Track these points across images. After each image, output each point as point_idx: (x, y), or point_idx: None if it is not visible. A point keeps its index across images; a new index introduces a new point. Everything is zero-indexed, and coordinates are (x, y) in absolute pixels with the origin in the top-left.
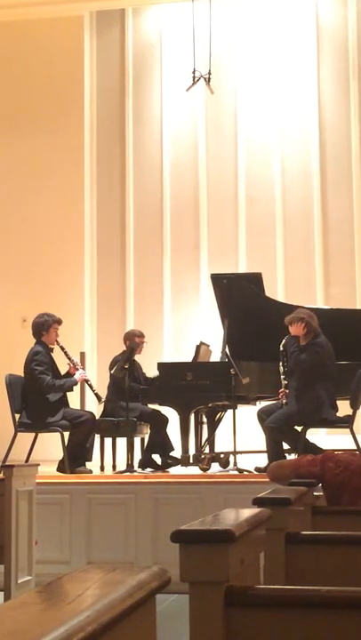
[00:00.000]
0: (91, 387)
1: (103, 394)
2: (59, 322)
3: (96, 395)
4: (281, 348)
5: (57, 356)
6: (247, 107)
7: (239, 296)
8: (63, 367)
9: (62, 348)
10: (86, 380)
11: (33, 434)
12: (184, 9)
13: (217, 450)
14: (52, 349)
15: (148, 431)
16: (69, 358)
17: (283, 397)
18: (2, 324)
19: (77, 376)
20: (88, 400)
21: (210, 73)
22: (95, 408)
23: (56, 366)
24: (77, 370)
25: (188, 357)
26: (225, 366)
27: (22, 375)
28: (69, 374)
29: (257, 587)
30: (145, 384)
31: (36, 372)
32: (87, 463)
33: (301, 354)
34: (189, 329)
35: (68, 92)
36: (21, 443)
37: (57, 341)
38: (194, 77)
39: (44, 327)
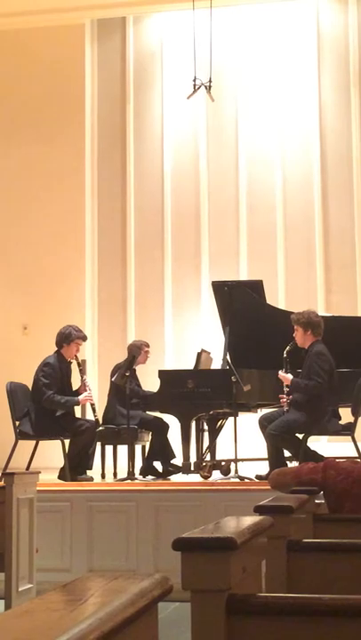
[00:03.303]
0: (94, 410)
1: (103, 400)
2: (83, 338)
3: (96, 420)
4: (285, 355)
5: (75, 369)
6: (248, 114)
7: (240, 303)
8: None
9: (79, 365)
10: (91, 404)
11: (34, 441)
12: (185, 17)
13: (218, 457)
14: (70, 362)
15: (149, 438)
16: (82, 377)
17: (284, 404)
18: (3, 331)
19: (81, 397)
20: (89, 408)
21: (210, 81)
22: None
23: (68, 380)
24: (85, 391)
25: (189, 365)
26: (226, 374)
27: (23, 383)
28: (78, 392)
29: (259, 595)
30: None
31: (40, 382)
32: (88, 471)
33: (307, 378)
34: (190, 336)
35: (69, 100)
36: (22, 450)
37: (76, 357)
38: (195, 85)
39: (66, 339)
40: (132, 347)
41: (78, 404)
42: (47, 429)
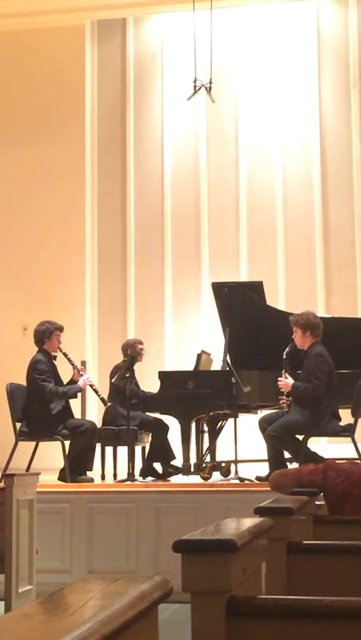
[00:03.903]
0: (96, 391)
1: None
2: (60, 329)
3: (102, 399)
4: (284, 356)
5: (60, 363)
6: (248, 115)
7: (240, 304)
8: (67, 374)
9: (65, 355)
10: (91, 385)
11: (34, 443)
12: (185, 18)
13: (218, 459)
14: (55, 357)
15: (149, 440)
16: (73, 364)
17: (284, 405)
18: (3, 332)
19: (81, 382)
20: (89, 409)
21: (211, 82)
22: (97, 417)
23: (58, 374)
24: (81, 375)
25: (189, 366)
26: (226, 375)
27: (23, 384)
28: (73, 381)
29: (259, 596)
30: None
31: (37, 380)
32: (88, 472)
33: (306, 380)
34: (190, 337)
35: (70, 102)
36: (22, 451)
37: (59, 348)
38: (195, 86)
39: (45, 334)
40: (129, 347)
41: (81, 390)
42: (46, 430)
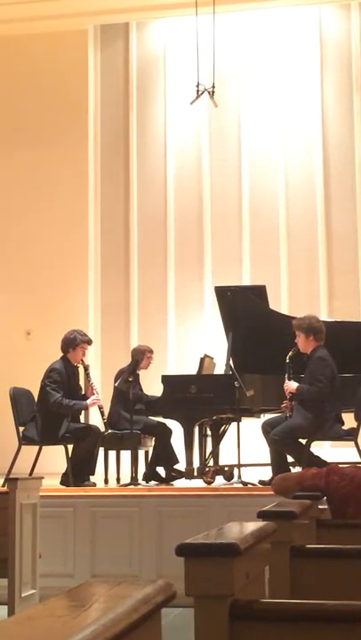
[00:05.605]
0: (102, 414)
1: (107, 405)
2: (88, 342)
3: (105, 424)
4: (287, 360)
5: (81, 373)
6: (251, 120)
7: (243, 308)
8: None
9: (85, 369)
10: (99, 407)
11: (37, 447)
12: (188, 23)
13: (221, 463)
14: (76, 367)
15: (153, 444)
16: (89, 381)
17: (287, 410)
18: (6, 336)
19: (89, 401)
20: (92, 413)
21: (214, 86)
22: (100, 422)
23: (75, 384)
24: (93, 394)
25: (192, 370)
26: (229, 379)
27: (26, 388)
28: (86, 396)
29: (262, 600)
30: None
31: (47, 387)
32: (91, 476)
33: (308, 384)
34: (193, 341)
35: (72, 106)
36: (25, 455)
37: (82, 361)
38: (198, 90)
39: (71, 344)
40: (136, 351)
41: (87, 408)
42: (53, 436)
